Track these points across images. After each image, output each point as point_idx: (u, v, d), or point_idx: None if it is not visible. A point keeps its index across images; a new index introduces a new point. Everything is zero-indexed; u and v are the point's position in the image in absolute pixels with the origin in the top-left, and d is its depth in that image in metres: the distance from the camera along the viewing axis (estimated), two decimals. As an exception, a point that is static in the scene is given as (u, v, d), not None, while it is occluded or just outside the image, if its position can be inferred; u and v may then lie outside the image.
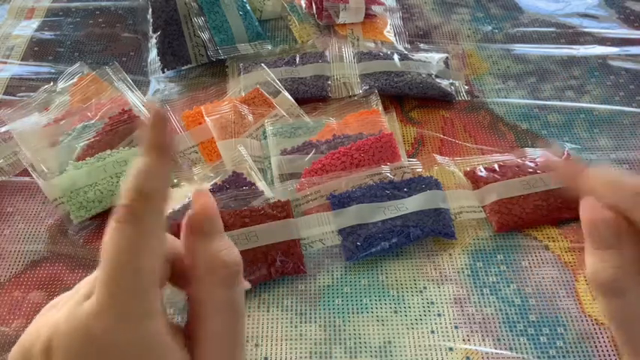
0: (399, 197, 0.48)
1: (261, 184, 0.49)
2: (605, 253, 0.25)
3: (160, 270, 0.23)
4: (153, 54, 0.63)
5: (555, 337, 0.42)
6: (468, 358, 0.41)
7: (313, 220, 0.47)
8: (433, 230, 0.46)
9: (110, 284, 0.21)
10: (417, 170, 0.51)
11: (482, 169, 0.51)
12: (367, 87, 0.59)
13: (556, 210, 0.48)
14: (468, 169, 0.52)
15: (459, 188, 0.51)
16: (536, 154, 0.53)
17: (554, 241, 0.48)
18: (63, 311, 0.22)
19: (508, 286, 0.45)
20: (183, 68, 0.64)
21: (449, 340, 0.42)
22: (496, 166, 0.51)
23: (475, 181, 0.51)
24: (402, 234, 0.46)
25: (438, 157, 0.53)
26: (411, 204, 0.47)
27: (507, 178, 0.50)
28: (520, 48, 0.67)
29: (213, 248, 0.25)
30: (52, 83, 0.61)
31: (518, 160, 0.52)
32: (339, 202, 0.47)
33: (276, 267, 0.44)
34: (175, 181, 0.50)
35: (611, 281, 0.24)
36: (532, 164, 0.51)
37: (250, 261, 0.44)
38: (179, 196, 0.48)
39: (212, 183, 0.48)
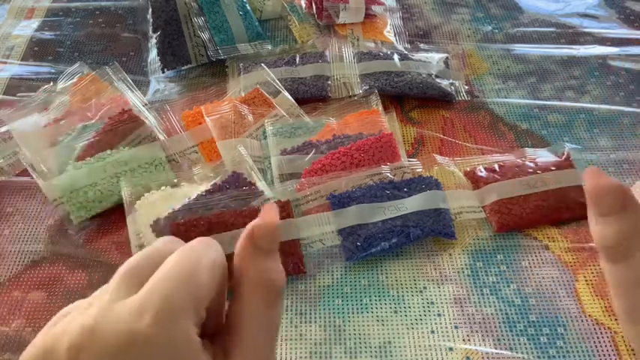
0: (399, 197, 0.48)
1: (261, 184, 0.49)
2: (610, 218, 0.26)
3: (212, 293, 0.24)
4: (153, 54, 0.63)
5: (555, 337, 0.42)
6: (467, 358, 0.41)
7: (313, 220, 0.47)
8: (433, 230, 0.46)
9: (173, 286, 0.22)
10: (417, 170, 0.51)
11: (482, 169, 0.51)
12: (367, 87, 0.59)
13: (556, 210, 0.48)
14: (468, 169, 0.52)
15: (459, 188, 0.51)
16: (536, 155, 0.53)
17: (554, 241, 0.48)
18: (90, 313, 0.22)
19: (508, 286, 0.45)
20: (183, 68, 0.64)
21: (449, 340, 0.42)
22: (496, 166, 0.51)
23: (475, 181, 0.51)
24: (402, 234, 0.46)
25: (438, 157, 0.53)
26: (411, 204, 0.47)
27: (507, 178, 0.50)
28: (520, 48, 0.67)
29: (264, 266, 0.26)
30: (51, 83, 0.61)
31: (518, 160, 0.52)
32: (339, 202, 0.47)
33: None
34: (175, 181, 0.50)
35: (616, 244, 0.26)
36: (532, 164, 0.51)
37: None
38: (179, 196, 0.48)
39: (212, 183, 0.48)
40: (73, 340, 0.21)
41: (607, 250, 0.26)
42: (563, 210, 0.48)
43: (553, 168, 0.50)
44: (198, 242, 0.26)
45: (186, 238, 0.39)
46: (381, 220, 0.46)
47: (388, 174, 0.49)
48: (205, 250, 0.25)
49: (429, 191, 0.48)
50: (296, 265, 0.45)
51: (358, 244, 0.46)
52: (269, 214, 0.26)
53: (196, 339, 0.23)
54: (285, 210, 0.46)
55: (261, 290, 0.25)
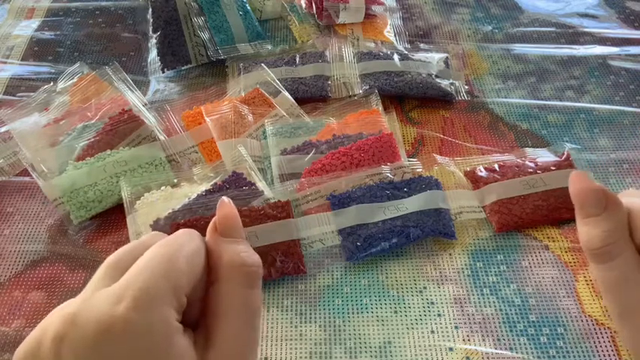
0: (398, 197, 0.48)
1: (261, 184, 0.49)
2: (596, 220, 0.27)
3: (191, 284, 0.25)
4: (153, 54, 0.63)
5: (555, 337, 0.42)
6: (467, 358, 0.41)
7: (313, 220, 0.47)
8: (433, 230, 0.46)
9: (151, 273, 0.23)
10: (417, 170, 0.51)
11: (482, 169, 0.51)
12: (367, 87, 0.59)
13: (556, 210, 0.48)
14: (468, 169, 0.52)
15: (459, 188, 0.51)
16: (536, 155, 0.53)
17: (554, 241, 0.48)
18: (72, 305, 0.23)
19: (508, 286, 0.45)
20: (183, 68, 0.64)
21: (449, 340, 0.42)
22: (496, 166, 0.51)
23: (475, 181, 0.51)
24: (402, 234, 0.46)
25: (438, 157, 0.53)
26: (411, 204, 0.47)
27: (507, 178, 0.50)
28: (520, 48, 0.67)
29: (235, 249, 0.27)
30: (52, 83, 0.61)
31: (518, 160, 0.52)
32: (339, 202, 0.47)
33: (276, 267, 0.44)
34: (175, 181, 0.50)
35: (603, 245, 0.27)
36: (532, 164, 0.51)
37: None
38: (179, 196, 0.48)
39: (212, 183, 0.48)
40: (57, 329, 0.22)
41: (594, 252, 0.27)
42: (563, 210, 0.48)
43: (553, 168, 0.50)
44: (180, 233, 0.26)
45: None
46: (381, 220, 0.46)
47: (388, 174, 0.49)
48: (187, 240, 0.26)
49: (428, 191, 0.48)
50: (296, 265, 0.45)
51: (358, 244, 0.46)
52: (224, 208, 0.29)
53: (175, 324, 0.23)
54: (285, 210, 0.46)
55: (236, 271, 0.26)
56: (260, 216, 0.45)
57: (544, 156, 0.52)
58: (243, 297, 0.26)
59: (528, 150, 0.54)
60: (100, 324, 0.21)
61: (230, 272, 0.26)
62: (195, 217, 0.45)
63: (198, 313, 0.26)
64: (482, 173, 0.51)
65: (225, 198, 0.29)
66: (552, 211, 0.48)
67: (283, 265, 0.45)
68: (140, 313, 0.22)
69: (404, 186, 0.49)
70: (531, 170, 0.50)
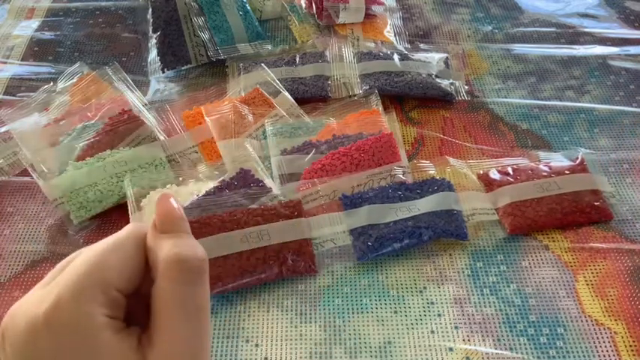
0: (411, 199, 0.48)
1: (269, 182, 0.49)
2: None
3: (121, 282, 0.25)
4: (153, 54, 0.63)
5: (555, 337, 0.42)
6: (467, 358, 0.41)
7: (324, 219, 0.47)
8: (445, 231, 0.46)
9: (75, 274, 0.23)
10: (430, 172, 0.51)
11: (496, 172, 0.51)
12: (367, 87, 0.59)
13: (570, 214, 0.48)
14: (481, 172, 0.52)
15: (472, 190, 0.50)
16: (549, 159, 0.52)
17: (554, 241, 0.48)
18: (19, 301, 0.25)
19: (508, 286, 0.45)
20: (183, 68, 0.64)
21: (449, 341, 0.42)
22: (510, 169, 0.51)
23: (488, 183, 0.51)
24: (414, 234, 0.46)
25: (451, 160, 0.53)
26: (424, 205, 0.47)
27: (521, 181, 0.50)
28: (520, 48, 0.67)
29: (172, 243, 0.25)
30: (52, 83, 0.61)
31: (532, 164, 0.52)
32: (350, 202, 0.47)
33: (287, 266, 0.44)
34: (180, 179, 0.50)
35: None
36: (546, 168, 0.51)
37: (262, 259, 0.44)
38: (185, 194, 0.48)
39: (220, 180, 0.48)
40: (3, 323, 0.24)
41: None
42: (577, 213, 0.48)
43: (567, 172, 0.50)
44: (124, 231, 0.26)
45: (199, 236, 0.41)
46: (392, 221, 0.46)
47: (400, 175, 0.49)
48: (122, 235, 0.26)
49: (441, 193, 0.48)
50: (307, 265, 0.45)
51: (369, 243, 0.46)
52: (163, 204, 0.27)
53: (102, 320, 0.23)
54: (297, 209, 0.46)
55: (174, 267, 0.24)
56: (272, 215, 0.46)
57: (558, 160, 0.52)
58: (181, 294, 0.24)
59: (542, 154, 0.54)
60: (27, 323, 0.23)
61: (166, 269, 0.24)
62: (207, 215, 0.45)
63: (145, 311, 0.25)
64: (496, 176, 0.51)
65: (167, 192, 0.28)
66: (566, 215, 0.48)
67: (295, 264, 0.45)
68: (61, 312, 0.22)
69: (416, 187, 0.49)
70: (545, 174, 0.50)
